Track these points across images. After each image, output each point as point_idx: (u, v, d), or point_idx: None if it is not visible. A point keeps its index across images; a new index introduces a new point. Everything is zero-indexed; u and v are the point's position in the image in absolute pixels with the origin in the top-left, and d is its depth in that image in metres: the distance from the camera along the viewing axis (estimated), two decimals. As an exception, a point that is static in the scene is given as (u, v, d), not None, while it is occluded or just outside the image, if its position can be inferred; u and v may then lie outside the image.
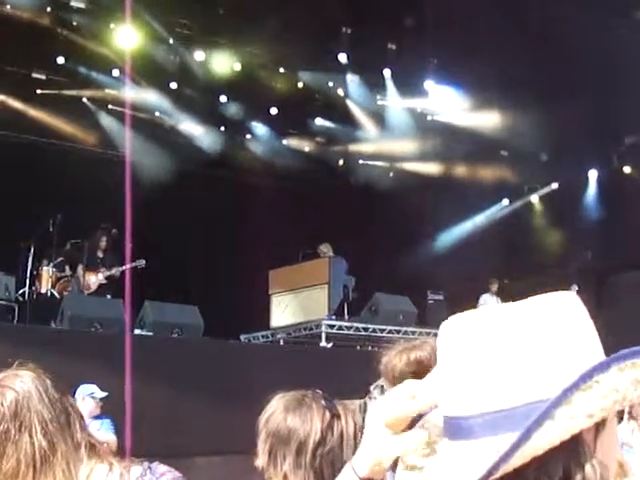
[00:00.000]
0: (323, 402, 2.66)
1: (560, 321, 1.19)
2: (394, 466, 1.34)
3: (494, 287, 17.21)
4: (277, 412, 2.65)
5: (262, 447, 2.64)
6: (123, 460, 2.37)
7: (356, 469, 1.36)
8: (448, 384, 1.21)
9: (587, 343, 1.18)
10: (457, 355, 1.20)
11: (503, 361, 1.16)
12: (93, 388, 8.59)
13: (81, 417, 2.44)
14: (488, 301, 16.97)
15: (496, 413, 1.16)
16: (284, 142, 20.27)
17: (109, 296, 13.75)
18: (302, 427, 2.59)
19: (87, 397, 8.44)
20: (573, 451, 1.14)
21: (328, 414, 2.63)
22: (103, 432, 8.23)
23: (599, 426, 1.17)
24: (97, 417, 8.53)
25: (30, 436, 2.28)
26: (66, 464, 2.28)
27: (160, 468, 2.33)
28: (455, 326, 1.22)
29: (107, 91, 17.56)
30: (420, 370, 2.94)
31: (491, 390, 1.16)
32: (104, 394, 8.55)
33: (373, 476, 1.35)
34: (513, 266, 18.00)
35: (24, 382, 2.38)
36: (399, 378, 2.97)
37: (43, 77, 16.90)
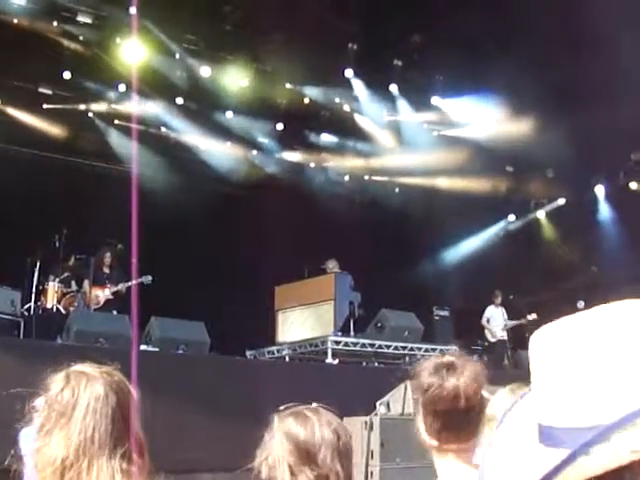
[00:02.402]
0: (325, 414, 2.69)
1: None
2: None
3: (498, 299, 17.34)
4: (281, 426, 2.68)
5: (265, 462, 2.66)
6: None
7: None
8: (542, 394, 1.20)
9: None
10: (551, 365, 1.18)
11: (590, 376, 1.13)
12: None
13: (138, 442, 2.35)
14: (494, 313, 17.20)
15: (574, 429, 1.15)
16: (290, 157, 20.28)
17: (115, 312, 13.73)
18: (304, 436, 2.61)
19: None
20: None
21: (333, 422, 2.66)
22: None
23: None
24: None
25: (60, 441, 2.23)
26: None
27: None
28: (550, 335, 1.20)
29: (113, 106, 17.60)
30: None
31: (574, 405, 1.14)
32: None
33: None
34: (519, 282, 17.97)
35: (86, 389, 2.29)
36: None
37: (49, 92, 16.93)
